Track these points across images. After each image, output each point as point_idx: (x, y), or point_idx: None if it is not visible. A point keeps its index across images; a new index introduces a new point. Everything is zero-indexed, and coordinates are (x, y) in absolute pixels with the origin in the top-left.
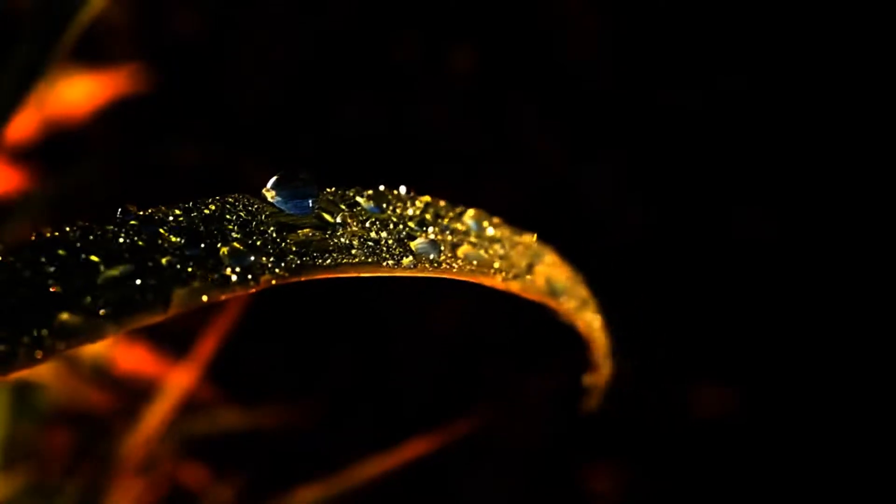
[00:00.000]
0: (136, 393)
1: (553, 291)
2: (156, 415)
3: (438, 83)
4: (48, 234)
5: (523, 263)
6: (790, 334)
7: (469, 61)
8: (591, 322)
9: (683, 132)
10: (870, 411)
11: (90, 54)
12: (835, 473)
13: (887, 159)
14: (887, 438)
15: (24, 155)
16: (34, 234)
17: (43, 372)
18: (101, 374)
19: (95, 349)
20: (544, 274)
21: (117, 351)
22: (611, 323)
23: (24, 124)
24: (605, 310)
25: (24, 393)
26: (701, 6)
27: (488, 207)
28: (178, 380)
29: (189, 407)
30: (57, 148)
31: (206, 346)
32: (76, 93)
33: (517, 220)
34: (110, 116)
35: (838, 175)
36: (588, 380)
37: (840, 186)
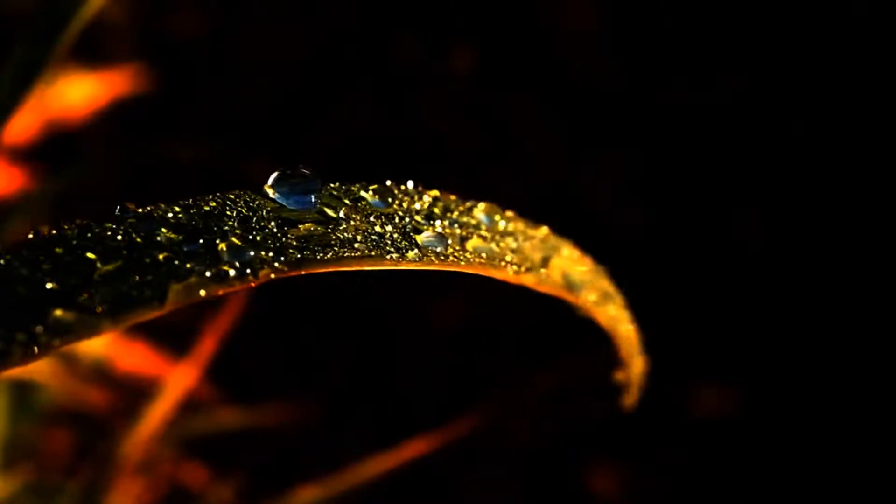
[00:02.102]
0: (136, 393)
1: (570, 285)
2: (156, 415)
3: (438, 83)
4: (45, 232)
5: (538, 257)
6: (790, 334)
7: (469, 61)
8: (616, 316)
9: (683, 132)
10: (870, 411)
11: (90, 54)
12: (835, 473)
13: (888, 160)
14: (887, 438)
15: (24, 155)
16: (31, 232)
17: (43, 371)
18: (101, 374)
19: (95, 349)
20: (561, 267)
21: (117, 350)
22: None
23: (24, 124)
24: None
25: (23, 393)
26: (701, 6)
27: None
28: (178, 379)
29: (189, 407)
30: (57, 148)
31: (206, 345)
32: (76, 93)
33: None
34: (110, 116)
35: (839, 176)
36: (620, 376)
37: (841, 187)
